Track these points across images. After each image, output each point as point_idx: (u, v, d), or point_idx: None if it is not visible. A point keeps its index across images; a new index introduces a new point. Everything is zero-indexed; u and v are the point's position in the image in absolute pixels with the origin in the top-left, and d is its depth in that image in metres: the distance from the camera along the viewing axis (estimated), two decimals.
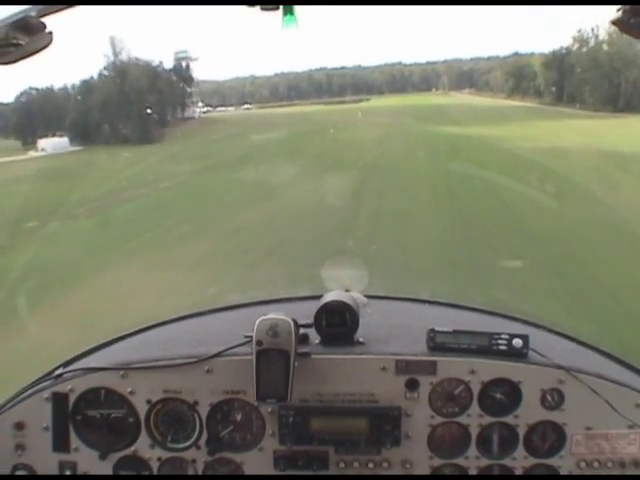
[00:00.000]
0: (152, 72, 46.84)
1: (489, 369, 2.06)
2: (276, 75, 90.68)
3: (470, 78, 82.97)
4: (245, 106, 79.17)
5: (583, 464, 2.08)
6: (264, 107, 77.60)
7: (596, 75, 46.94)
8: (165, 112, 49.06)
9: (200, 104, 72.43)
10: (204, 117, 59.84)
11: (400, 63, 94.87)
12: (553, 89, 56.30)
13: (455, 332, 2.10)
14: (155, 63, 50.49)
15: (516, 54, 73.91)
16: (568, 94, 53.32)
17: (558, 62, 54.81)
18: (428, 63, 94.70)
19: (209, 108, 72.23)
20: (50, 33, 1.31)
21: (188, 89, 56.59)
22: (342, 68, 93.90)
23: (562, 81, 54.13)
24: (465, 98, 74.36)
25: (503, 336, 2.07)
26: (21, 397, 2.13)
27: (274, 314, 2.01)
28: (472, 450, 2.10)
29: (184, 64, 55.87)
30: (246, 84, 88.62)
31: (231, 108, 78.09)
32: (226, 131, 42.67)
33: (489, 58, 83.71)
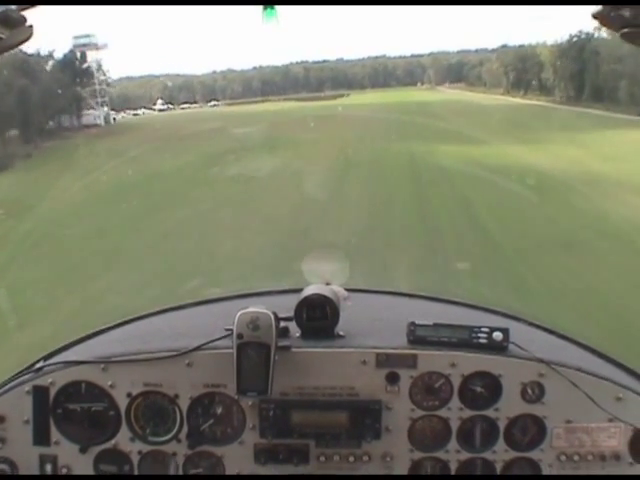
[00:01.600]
0: (22, 64, 35.93)
1: (469, 362, 2.06)
2: (254, 69, 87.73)
3: (459, 72, 79.27)
4: (212, 103, 75.83)
5: (564, 457, 2.09)
6: (233, 104, 74.06)
7: (635, 66, 36.75)
8: (33, 119, 37.35)
9: (160, 100, 68.72)
10: (121, 122, 51.07)
11: (384, 56, 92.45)
12: (563, 84, 47.72)
13: (435, 325, 2.10)
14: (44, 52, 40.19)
15: (505, 47, 72.02)
16: (592, 90, 43.58)
17: (576, 51, 46.00)
18: (413, 56, 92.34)
19: (169, 106, 69.41)
20: (30, 26, 1.30)
21: (98, 87, 46.76)
22: (324, 61, 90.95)
23: (582, 74, 44.95)
24: (456, 94, 69.57)
25: (483, 329, 2.08)
26: (1, 390, 2.11)
27: (254, 307, 2.01)
28: (452, 443, 2.10)
29: (79, 54, 45.84)
30: (217, 79, 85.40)
31: (194, 105, 73.71)
32: (135, 149, 31.19)
33: (477, 51, 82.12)
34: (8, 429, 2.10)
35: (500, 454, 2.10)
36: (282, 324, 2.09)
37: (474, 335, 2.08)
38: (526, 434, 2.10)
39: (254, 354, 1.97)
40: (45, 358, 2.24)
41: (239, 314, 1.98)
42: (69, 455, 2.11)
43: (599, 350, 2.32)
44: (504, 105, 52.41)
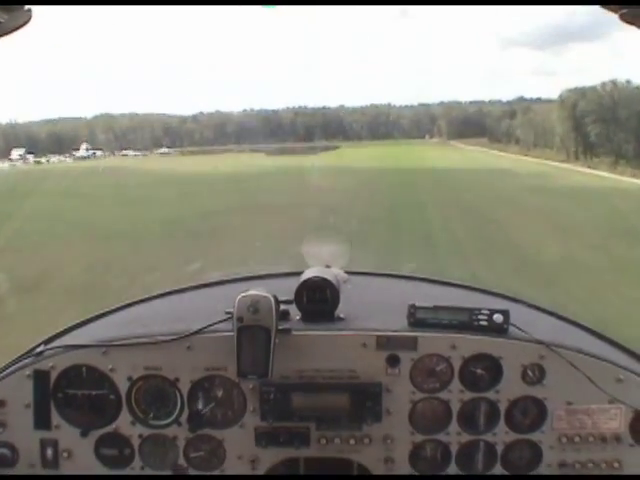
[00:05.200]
0: None
1: (470, 345, 2.07)
2: (243, 111, 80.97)
3: (478, 124, 66.57)
4: (161, 150, 67.36)
5: (564, 439, 2.09)
6: (186, 153, 66.52)
7: None
8: None
9: (85, 145, 61.59)
10: None
11: (388, 105, 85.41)
12: None
13: (436, 308, 2.10)
14: None
15: (521, 99, 66.87)
16: None
17: None
18: (421, 105, 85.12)
19: (95, 152, 61.11)
20: (29, 10, 1.29)
21: None
22: (323, 108, 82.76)
23: None
24: (482, 153, 55.34)
25: (484, 311, 2.08)
26: (2, 374, 2.11)
27: (255, 290, 2.00)
28: (453, 426, 2.11)
29: None
30: (187, 120, 77.31)
31: (134, 153, 63.90)
32: None
33: (491, 102, 76.29)
34: (9, 413, 2.11)
35: (501, 436, 2.11)
36: (282, 307, 2.08)
37: (474, 317, 2.08)
38: (527, 416, 2.10)
39: (254, 337, 1.97)
40: (46, 342, 2.24)
41: (239, 297, 1.98)
42: (70, 439, 2.12)
43: (599, 332, 2.33)
44: (611, 187, 33.50)
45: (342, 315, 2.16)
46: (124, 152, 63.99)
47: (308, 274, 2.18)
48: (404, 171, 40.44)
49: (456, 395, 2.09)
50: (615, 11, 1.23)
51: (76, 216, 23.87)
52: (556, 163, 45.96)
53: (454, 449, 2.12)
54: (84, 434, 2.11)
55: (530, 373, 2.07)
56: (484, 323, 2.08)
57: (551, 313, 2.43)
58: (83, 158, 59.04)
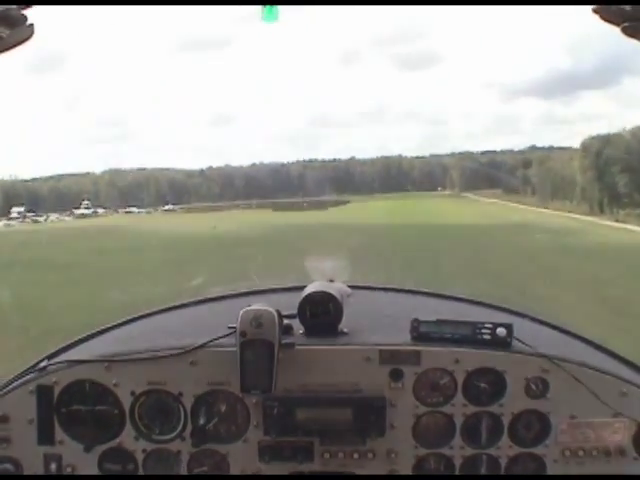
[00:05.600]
0: None
1: (473, 359, 2.07)
2: (252, 165, 78.65)
3: (492, 174, 62.75)
4: (167, 207, 65.21)
5: (568, 453, 2.09)
6: (190, 210, 63.84)
7: None
8: None
9: (86, 202, 59.31)
10: None
11: (399, 156, 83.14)
12: None
13: (439, 322, 2.11)
14: None
15: (533, 147, 64.87)
16: None
17: None
18: (432, 156, 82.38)
19: (97, 210, 58.64)
20: (31, 25, 1.31)
21: None
22: (334, 160, 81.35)
23: None
24: (501, 206, 51.46)
25: (487, 325, 2.09)
26: (5, 390, 2.12)
27: (258, 305, 2.01)
28: (457, 440, 2.10)
29: None
30: (195, 175, 74.95)
31: (138, 210, 61.53)
32: None
33: (503, 151, 73.75)
34: (12, 429, 2.11)
35: (504, 450, 2.10)
36: (285, 321, 2.08)
37: (478, 331, 2.09)
38: (530, 430, 2.10)
39: (258, 352, 1.97)
40: (49, 357, 2.23)
41: (242, 312, 1.98)
42: (74, 454, 2.12)
43: (603, 345, 2.33)
44: None
45: (345, 329, 2.16)
46: (128, 209, 61.99)
47: (311, 288, 2.19)
48: (418, 228, 36.47)
49: (459, 409, 2.09)
50: (617, 24, 1.25)
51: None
52: (579, 216, 41.94)
53: (457, 463, 2.11)
54: (88, 449, 2.10)
55: (534, 387, 2.06)
56: (487, 337, 2.08)
57: (554, 327, 2.43)
58: (84, 216, 57.19)
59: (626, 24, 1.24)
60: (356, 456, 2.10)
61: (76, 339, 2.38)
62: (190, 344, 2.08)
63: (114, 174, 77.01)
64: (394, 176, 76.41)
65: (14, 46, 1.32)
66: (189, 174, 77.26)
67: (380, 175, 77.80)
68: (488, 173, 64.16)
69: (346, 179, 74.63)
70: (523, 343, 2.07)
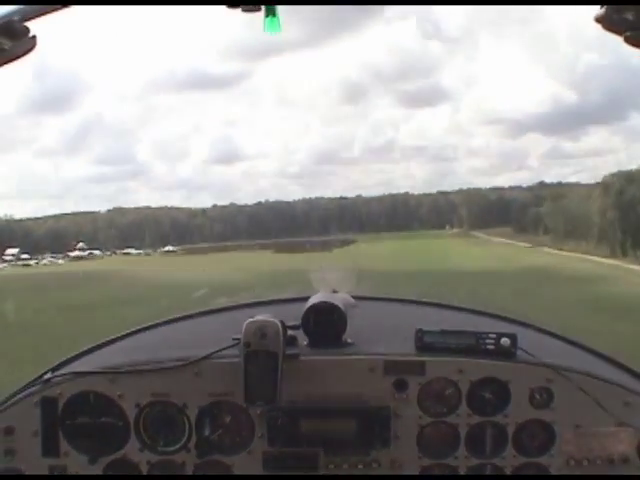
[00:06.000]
0: None
1: (477, 369, 2.08)
2: (258, 204, 76.66)
3: (503, 212, 59.53)
4: (166, 248, 62.34)
5: (572, 462, 2.09)
6: (192, 251, 61.35)
7: None
8: None
9: (81, 244, 56.48)
10: None
11: (407, 193, 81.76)
12: None
13: (443, 332, 2.12)
14: None
15: (542, 184, 63.62)
16: None
17: None
18: (440, 193, 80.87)
19: (92, 252, 55.67)
20: (34, 37, 1.32)
21: None
22: (341, 198, 79.69)
23: None
24: (518, 248, 46.49)
25: (491, 335, 2.09)
26: (10, 402, 2.14)
27: (262, 316, 2.02)
28: (461, 450, 2.10)
29: None
30: (198, 214, 73.29)
31: (136, 252, 58.89)
32: None
33: (511, 188, 72.29)
34: (17, 440, 2.11)
35: (509, 460, 2.10)
36: (290, 332, 2.09)
37: (482, 341, 2.10)
38: (535, 439, 2.10)
39: (262, 363, 1.97)
40: (53, 369, 2.25)
41: (246, 323, 1.99)
42: (78, 466, 2.12)
43: (607, 355, 2.33)
44: None
45: (350, 340, 2.17)
46: (126, 250, 59.74)
47: (315, 299, 2.20)
48: (429, 275, 31.49)
49: (464, 419, 2.09)
50: (619, 34, 1.25)
51: None
52: (600, 259, 38.48)
53: (462, 473, 2.11)
54: (92, 461, 2.11)
55: (538, 396, 2.07)
56: (491, 347, 2.08)
57: (558, 337, 2.43)
58: (79, 258, 54.79)
59: (628, 33, 1.24)
60: (360, 467, 2.10)
61: (80, 351, 2.39)
62: (194, 355, 2.08)
63: (118, 213, 75.95)
64: (401, 214, 74.87)
65: (16, 58, 1.33)
66: (192, 213, 76.68)
67: (387, 213, 75.66)
68: (497, 210, 61.52)
69: (352, 217, 72.46)
70: (527, 353, 2.07)
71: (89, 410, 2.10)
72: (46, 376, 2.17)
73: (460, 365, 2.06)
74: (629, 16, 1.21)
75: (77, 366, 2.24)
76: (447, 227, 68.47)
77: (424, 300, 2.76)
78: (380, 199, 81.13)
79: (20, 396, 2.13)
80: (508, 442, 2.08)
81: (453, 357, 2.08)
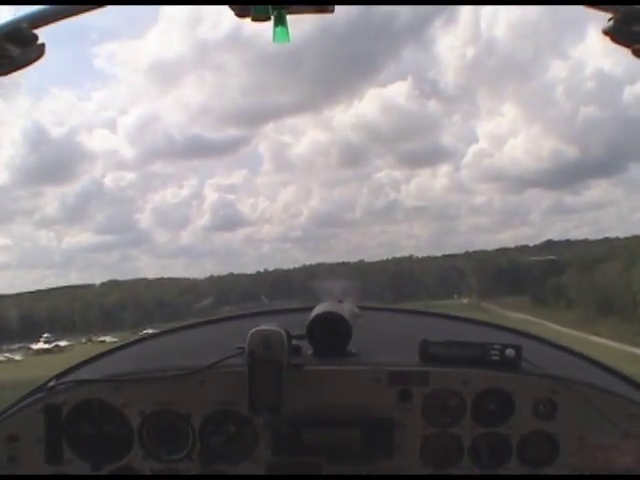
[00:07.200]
0: None
1: (482, 380, 2.07)
2: (257, 274, 77.14)
3: (518, 278, 52.08)
4: (144, 332, 52.90)
5: (576, 474, 2.09)
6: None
7: None
8: None
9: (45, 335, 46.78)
10: None
11: (410, 257, 74.42)
12: None
13: (448, 343, 2.12)
14: None
15: (550, 242, 60.27)
16: None
17: None
18: (445, 256, 73.92)
19: (58, 344, 44.87)
20: (42, 45, 1.31)
21: None
22: (342, 264, 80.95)
23: None
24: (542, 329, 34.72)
25: (496, 347, 2.08)
26: (14, 409, 2.14)
27: (267, 325, 2.02)
28: (465, 460, 2.10)
29: None
30: (186, 292, 62.80)
31: (112, 339, 41.35)
32: None
33: (517, 248, 66.91)
34: (20, 448, 2.11)
35: (512, 471, 2.10)
36: (294, 342, 2.09)
37: (486, 352, 2.09)
38: (539, 451, 2.10)
39: (266, 372, 1.98)
40: (58, 377, 2.24)
41: (251, 332, 2.00)
42: (81, 474, 2.13)
43: (611, 367, 2.33)
44: None
45: (354, 350, 2.17)
46: (102, 338, 47.86)
47: (320, 309, 2.20)
48: None
49: (468, 430, 2.09)
50: (627, 46, 1.25)
51: None
52: None
53: None
54: (95, 469, 2.11)
55: (542, 408, 2.06)
56: (496, 358, 2.08)
57: (563, 348, 2.44)
58: (44, 351, 44.96)
59: (637, 46, 1.25)
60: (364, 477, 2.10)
61: (85, 359, 2.39)
62: (199, 364, 2.08)
63: (113, 286, 73.05)
64: (406, 282, 70.91)
65: (24, 65, 1.31)
66: (181, 292, 71.42)
67: (391, 282, 72.34)
68: (510, 278, 55.29)
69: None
70: (532, 364, 2.07)
71: (93, 418, 2.10)
72: (50, 384, 2.17)
73: (465, 376, 2.06)
74: (637, 29, 1.21)
75: (81, 374, 2.25)
76: (455, 296, 63.20)
77: (429, 311, 2.76)
78: (383, 264, 78.45)
79: (24, 403, 2.13)
80: (512, 453, 2.08)
81: (458, 368, 2.07)
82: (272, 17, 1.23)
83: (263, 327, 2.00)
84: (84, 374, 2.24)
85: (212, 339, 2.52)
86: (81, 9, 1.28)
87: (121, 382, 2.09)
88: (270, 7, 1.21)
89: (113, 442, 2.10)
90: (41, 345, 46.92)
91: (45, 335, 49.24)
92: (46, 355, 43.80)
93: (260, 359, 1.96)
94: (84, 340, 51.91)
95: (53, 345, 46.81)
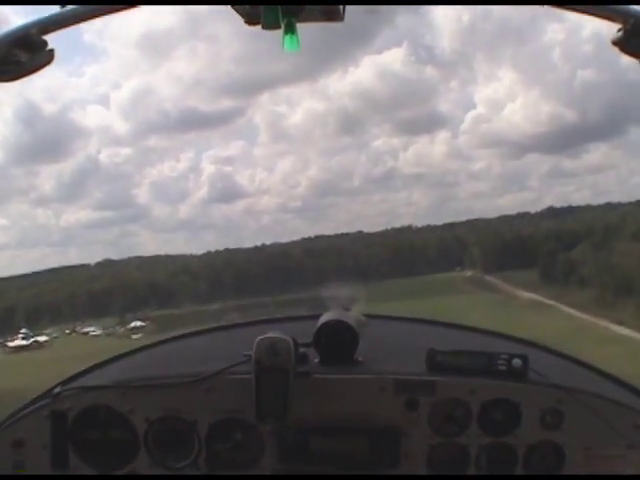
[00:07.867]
0: None
1: (489, 389, 2.08)
2: (255, 248, 72.76)
3: (525, 251, 46.78)
4: (132, 324, 49.13)
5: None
6: (164, 326, 42.10)
7: None
8: None
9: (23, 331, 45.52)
10: None
11: (409, 227, 75.50)
12: None
13: (455, 352, 2.12)
14: None
15: (551, 209, 60.36)
16: None
17: None
18: (446, 225, 74.27)
19: (36, 340, 43.48)
20: (51, 50, 1.32)
21: None
22: (342, 235, 75.77)
23: None
24: (561, 316, 33.86)
25: (502, 356, 2.09)
26: (20, 415, 2.14)
27: (273, 333, 2.02)
28: (471, 470, 2.10)
29: None
30: (178, 274, 61.07)
31: (96, 332, 46.80)
32: None
33: (519, 215, 67.28)
34: (26, 454, 2.11)
35: None
36: (301, 350, 2.09)
37: (493, 362, 2.09)
38: (545, 461, 2.09)
39: (273, 380, 1.98)
40: (64, 383, 2.25)
41: (258, 340, 2.00)
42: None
43: (618, 377, 2.34)
44: None
45: (361, 358, 2.17)
46: (86, 329, 49.15)
47: (327, 317, 2.20)
48: None
49: (474, 440, 2.09)
50: (637, 57, 1.26)
51: None
52: None
53: None
54: (101, 475, 2.11)
55: (549, 418, 2.06)
56: (503, 368, 2.08)
57: (570, 358, 2.44)
58: (21, 348, 43.24)
59: None
60: None
61: (91, 365, 2.39)
62: (205, 371, 2.08)
63: (108, 265, 70.02)
64: (406, 256, 65.65)
65: (33, 71, 1.32)
66: (175, 271, 65.19)
67: (391, 258, 68.78)
68: (516, 251, 51.11)
69: (352, 264, 64.81)
70: (538, 374, 2.07)
71: (99, 424, 2.10)
72: (56, 390, 2.17)
73: (471, 386, 2.06)
74: None
75: (87, 380, 2.25)
76: (457, 269, 59.68)
77: (436, 320, 2.77)
78: (383, 235, 76.32)
79: (30, 409, 2.14)
80: (518, 463, 2.08)
81: (464, 377, 2.08)
82: (282, 25, 1.23)
83: (270, 335, 2.00)
84: (90, 380, 2.24)
85: (219, 346, 2.52)
86: (90, 15, 1.30)
87: (127, 388, 2.10)
88: (280, 15, 1.21)
89: (119, 448, 2.11)
90: (18, 342, 44.72)
91: (23, 331, 47.30)
92: (24, 352, 41.85)
93: (267, 367, 1.96)
94: (68, 331, 50.40)
95: (31, 341, 45.04)
